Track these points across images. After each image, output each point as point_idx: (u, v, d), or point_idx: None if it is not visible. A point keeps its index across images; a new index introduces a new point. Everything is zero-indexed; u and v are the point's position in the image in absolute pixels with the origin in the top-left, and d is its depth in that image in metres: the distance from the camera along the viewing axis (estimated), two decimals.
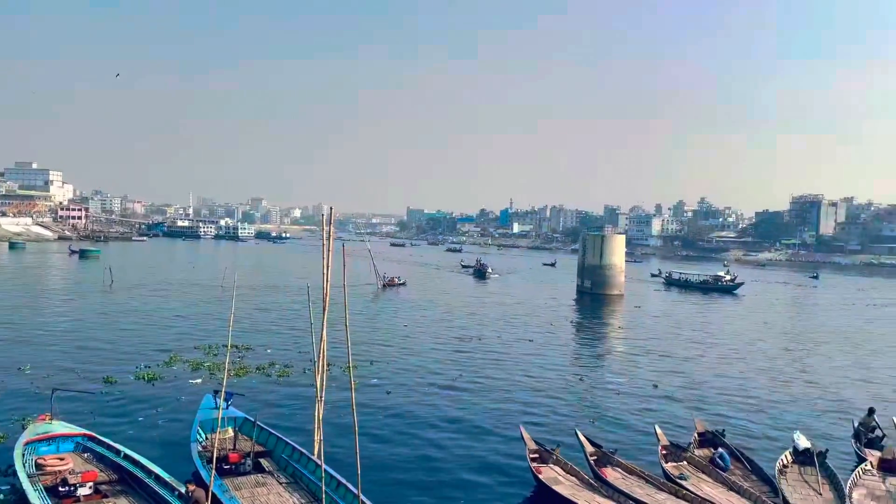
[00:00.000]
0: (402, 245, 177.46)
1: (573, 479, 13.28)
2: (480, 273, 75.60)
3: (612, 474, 13.44)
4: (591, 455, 14.14)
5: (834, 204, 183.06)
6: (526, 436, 14.68)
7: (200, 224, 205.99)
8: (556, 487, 12.73)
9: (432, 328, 34.66)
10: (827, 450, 14.52)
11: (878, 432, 16.10)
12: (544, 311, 44.65)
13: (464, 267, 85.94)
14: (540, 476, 13.23)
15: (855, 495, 12.87)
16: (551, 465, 13.80)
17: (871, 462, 14.35)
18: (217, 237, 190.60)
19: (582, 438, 14.70)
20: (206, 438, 13.99)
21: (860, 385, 24.62)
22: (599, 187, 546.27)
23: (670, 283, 74.05)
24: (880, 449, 15.07)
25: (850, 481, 13.34)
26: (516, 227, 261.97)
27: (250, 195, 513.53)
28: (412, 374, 23.46)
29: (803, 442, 14.53)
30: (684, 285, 70.85)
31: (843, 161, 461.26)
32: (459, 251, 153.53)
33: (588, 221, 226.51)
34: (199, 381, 20.77)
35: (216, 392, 15.12)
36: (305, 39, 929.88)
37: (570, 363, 27.27)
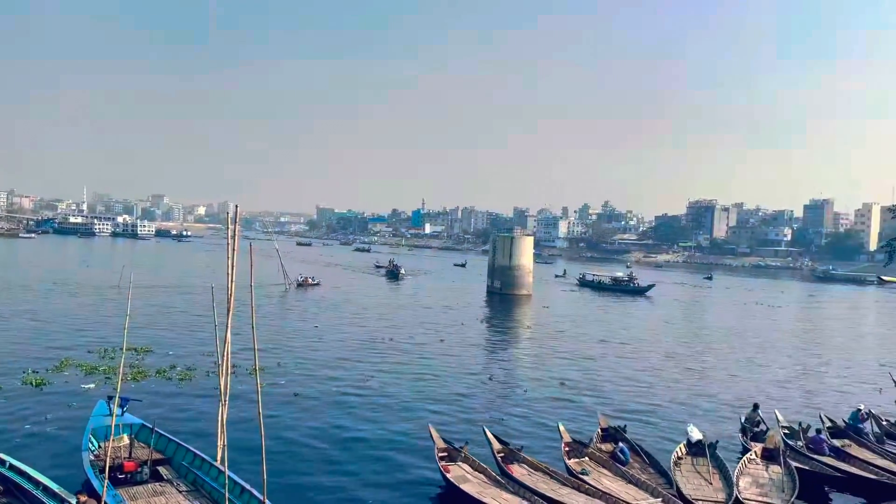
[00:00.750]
0: (309, 244, 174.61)
1: (481, 476, 13.48)
2: (393, 274, 75.21)
3: (518, 471, 13.74)
4: (498, 452, 14.41)
5: (726, 209, 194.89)
6: (435, 435, 14.78)
7: (96, 221, 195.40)
8: (463, 486, 12.88)
9: (343, 329, 34.30)
10: (717, 441, 15.44)
11: (762, 426, 17.27)
12: (455, 311, 45.12)
13: (377, 267, 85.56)
14: (448, 475, 13.36)
15: (741, 483, 13.73)
16: (459, 464, 13.96)
17: (755, 452, 15.36)
18: (114, 235, 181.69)
19: (489, 436, 14.95)
20: (99, 447, 13.28)
21: (748, 381, 26.28)
22: (509, 190, 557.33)
23: (584, 284, 75.17)
24: (764, 441, 16.14)
25: (736, 470, 14.23)
26: (428, 228, 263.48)
27: (151, 192, 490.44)
28: (321, 375, 23.13)
29: (696, 434, 15.38)
30: (597, 287, 72.20)
31: (738, 168, 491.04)
32: (368, 251, 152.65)
33: (498, 223, 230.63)
34: (92, 385, 19.67)
35: (110, 397, 14.38)
36: (203, 33, 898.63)
37: (479, 362, 27.66)
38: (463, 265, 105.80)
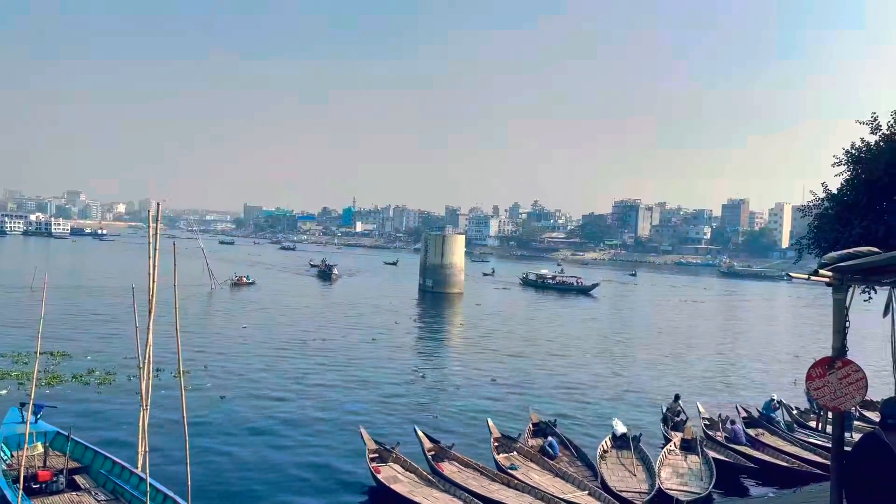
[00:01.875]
0: (232, 243, 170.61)
1: (412, 475, 13.51)
2: (325, 274, 73.44)
3: (448, 468, 13.85)
4: (428, 451, 14.48)
5: (650, 208, 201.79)
6: (366, 436, 14.72)
7: (6, 219, 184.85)
8: (393, 486, 12.89)
9: (273, 330, 33.68)
10: (640, 434, 16.00)
11: (682, 416, 17.99)
12: (388, 310, 44.99)
13: (312, 266, 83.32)
14: (379, 476, 13.33)
15: (663, 474, 14.27)
16: (391, 464, 13.95)
17: (674, 443, 16.00)
18: (26, 234, 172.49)
19: (420, 435, 15.00)
20: (12, 456, 12.63)
21: (673, 374, 27.33)
22: (441, 189, 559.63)
23: (527, 283, 74.78)
24: (683, 431, 16.80)
25: (658, 461, 14.78)
26: (359, 227, 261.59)
27: (67, 188, 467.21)
28: (250, 377, 22.65)
29: (620, 428, 15.89)
30: (541, 286, 72.07)
31: (662, 168, 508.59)
32: (293, 249, 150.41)
33: (430, 222, 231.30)
34: (3, 392, 18.64)
35: (23, 404, 13.68)
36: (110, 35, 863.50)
37: (411, 362, 27.70)
38: (394, 263, 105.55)
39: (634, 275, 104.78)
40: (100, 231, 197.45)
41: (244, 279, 58.21)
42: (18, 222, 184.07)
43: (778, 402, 19.18)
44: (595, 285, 69.76)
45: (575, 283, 70.68)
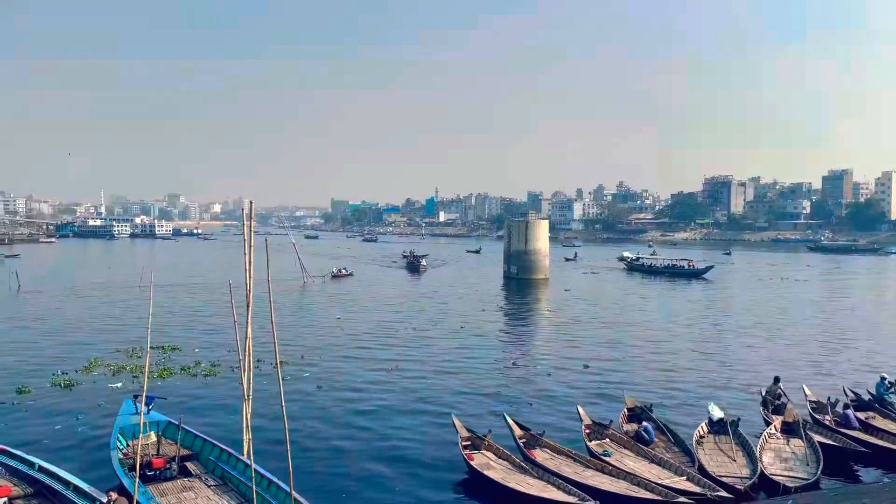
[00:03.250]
0: (316, 237, 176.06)
1: (504, 463, 13.54)
2: (414, 266, 72.43)
3: (540, 455, 13.79)
4: (520, 438, 14.46)
5: (743, 184, 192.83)
6: (458, 424, 14.85)
7: (114, 223, 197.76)
8: (487, 472, 12.96)
9: (366, 321, 34.46)
10: (739, 418, 15.36)
11: (783, 399, 17.14)
12: (474, 298, 45.14)
13: (404, 258, 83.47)
14: (472, 462, 13.44)
15: (765, 458, 13.68)
16: (483, 452, 14.03)
17: (775, 426, 15.27)
18: (133, 236, 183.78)
19: (511, 423, 14.99)
20: (128, 445, 13.51)
21: (774, 356, 26.08)
22: (522, 174, 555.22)
23: (633, 268, 72.45)
24: (783, 414, 16.03)
25: (758, 445, 14.17)
26: (442, 216, 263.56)
27: (167, 191, 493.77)
28: (345, 366, 23.31)
29: (717, 413, 15.32)
30: (648, 271, 69.52)
31: (755, 141, 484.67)
32: (374, 241, 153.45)
33: (512, 208, 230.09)
34: (119, 385, 19.99)
35: (136, 396, 14.61)
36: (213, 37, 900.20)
37: (501, 349, 27.72)
38: (477, 251, 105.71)
39: (729, 254, 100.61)
40: (196, 231, 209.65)
41: (343, 271, 62.00)
42: (125, 225, 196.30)
43: (890, 382, 17.96)
44: (709, 268, 66.10)
45: (686, 267, 66.39)
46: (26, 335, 29.13)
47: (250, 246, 12.64)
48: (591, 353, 26.23)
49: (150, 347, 18.42)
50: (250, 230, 12.64)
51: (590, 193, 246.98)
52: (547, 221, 66.99)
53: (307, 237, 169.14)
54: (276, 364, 11.97)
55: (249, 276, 12.56)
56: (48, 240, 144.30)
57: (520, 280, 57.68)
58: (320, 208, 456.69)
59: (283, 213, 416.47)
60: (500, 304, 43.58)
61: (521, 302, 45.28)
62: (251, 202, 13.05)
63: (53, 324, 32.39)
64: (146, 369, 12.78)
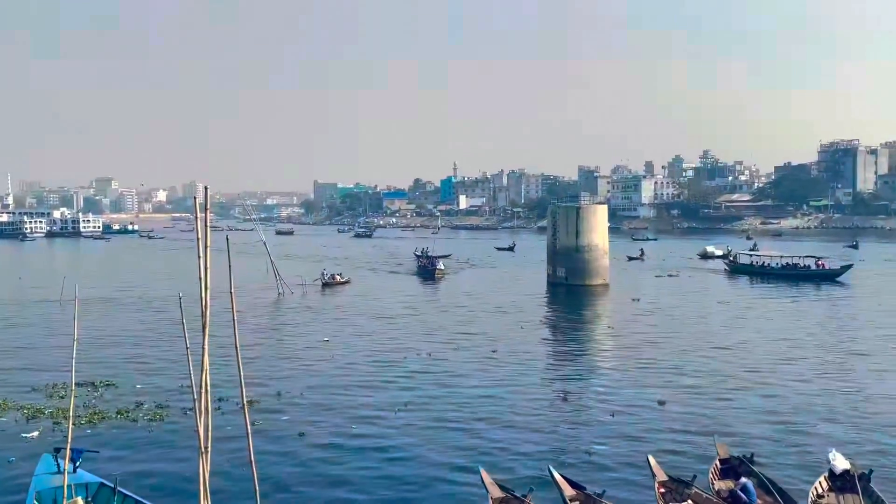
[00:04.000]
0: (290, 233, 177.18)
1: None
2: (428, 271, 71.36)
3: None
4: (570, 500, 14.39)
5: (873, 151, 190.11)
6: (488, 480, 14.82)
7: (25, 218, 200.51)
8: None
9: (364, 345, 34.56)
10: (871, 470, 15.15)
11: None
12: (508, 312, 45.07)
13: (418, 258, 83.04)
14: None
15: None
16: None
17: None
18: (50, 235, 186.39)
19: (558, 479, 14.92)
20: None
21: None
22: (571, 143, 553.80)
23: (737, 269, 71.02)
24: None
25: None
26: (463, 202, 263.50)
27: (95, 175, 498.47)
28: (336, 406, 23.35)
29: (841, 462, 15.12)
30: (760, 272, 68.19)
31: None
32: (368, 236, 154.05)
33: (558, 189, 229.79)
34: (35, 434, 20.19)
35: (58, 450, 14.72)
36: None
37: (546, 379, 27.65)
38: (510, 249, 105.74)
39: (855, 246, 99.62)
40: (132, 226, 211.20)
41: (338, 278, 62.78)
42: (40, 221, 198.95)
43: None
44: (846, 268, 64.76)
45: (814, 267, 64.97)
46: None
47: (206, 246, 12.59)
48: (669, 385, 26.06)
49: (76, 384, 18.57)
50: (206, 225, 12.64)
51: (663, 167, 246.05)
52: (605, 207, 66.81)
53: (278, 233, 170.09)
54: (243, 404, 12.01)
55: (205, 288, 12.55)
56: None
57: (569, 287, 57.55)
58: (299, 194, 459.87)
59: (250, 202, 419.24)
60: (544, 319, 43.47)
61: (571, 317, 45.14)
62: (206, 188, 13.09)
63: None
64: (71, 413, 12.91)
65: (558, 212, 62.96)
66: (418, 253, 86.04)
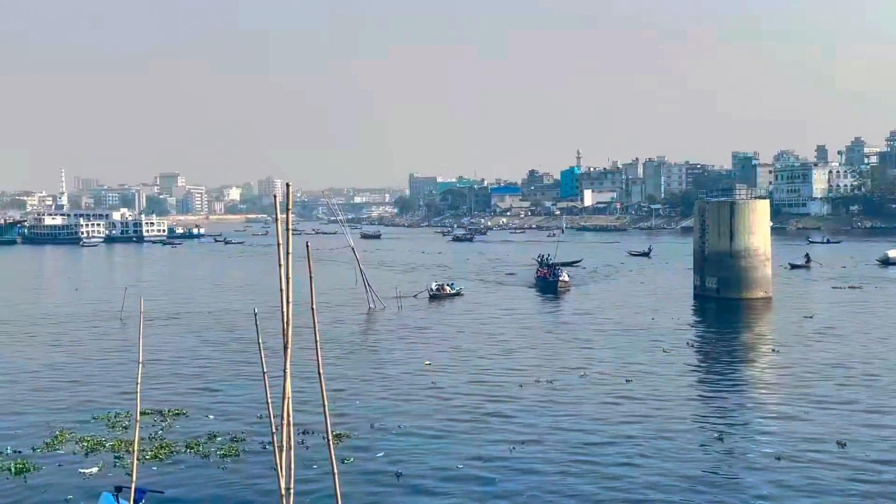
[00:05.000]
0: (377, 236, 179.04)
1: None
2: (549, 284, 69.85)
3: None
4: None
5: None
6: None
7: (81, 220, 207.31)
8: None
9: (471, 369, 34.72)
10: None
11: None
12: (647, 332, 44.34)
13: (540, 264, 78.66)
14: None
15: None
16: None
17: None
18: (110, 240, 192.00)
19: None
20: None
21: None
22: (722, 125, 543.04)
23: None
24: None
25: None
26: (589, 198, 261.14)
27: (159, 171, 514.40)
28: (438, 442, 23.48)
29: None
30: None
31: None
32: (470, 240, 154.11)
33: (706, 181, 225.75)
34: (95, 470, 20.93)
35: (119, 489, 15.17)
36: None
37: (695, 414, 27.24)
38: (646, 254, 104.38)
39: None
40: (196, 229, 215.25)
41: (447, 288, 64.18)
42: (98, 224, 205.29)
43: None
44: None
45: None
46: None
47: (287, 253, 12.79)
48: (851, 425, 25.16)
49: (141, 413, 19.16)
50: (288, 228, 12.84)
51: (840, 153, 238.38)
52: (767, 202, 65.23)
53: (363, 236, 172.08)
54: (330, 438, 12.18)
55: (287, 302, 12.75)
56: None
57: (721, 301, 56.39)
58: (393, 190, 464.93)
59: (336, 200, 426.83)
60: (691, 341, 42.63)
61: (724, 338, 44.14)
62: (288, 185, 13.32)
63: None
64: (135, 446, 13.29)
65: (707, 208, 61.82)
66: (538, 258, 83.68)
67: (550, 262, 77.24)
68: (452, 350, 39.81)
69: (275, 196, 12.77)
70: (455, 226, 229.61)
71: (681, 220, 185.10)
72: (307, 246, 12.29)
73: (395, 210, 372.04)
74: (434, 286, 63.70)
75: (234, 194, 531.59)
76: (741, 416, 27.14)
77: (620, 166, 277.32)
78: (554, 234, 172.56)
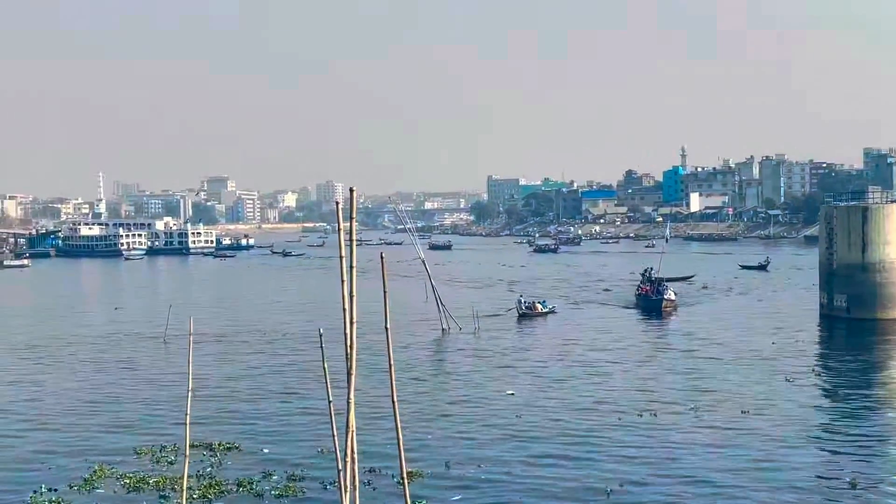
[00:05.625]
0: (448, 247, 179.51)
1: None
2: (652, 302, 68.18)
3: None
4: None
5: None
6: None
7: (121, 230, 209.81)
8: None
9: (559, 399, 34.69)
10: None
11: None
12: (766, 358, 43.68)
13: (647, 280, 76.49)
14: None
15: None
16: None
17: None
18: (152, 252, 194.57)
19: None
20: None
21: None
22: (849, 118, 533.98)
23: None
24: None
25: None
26: (695, 202, 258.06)
27: (206, 174, 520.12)
28: (525, 483, 23.47)
29: None
30: None
31: None
32: (553, 251, 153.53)
33: (833, 183, 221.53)
34: None
35: None
36: None
37: (824, 456, 26.92)
38: (761, 267, 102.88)
39: None
40: (245, 240, 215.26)
41: (538, 306, 63.68)
42: (139, 235, 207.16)
43: None
44: None
45: None
46: None
47: (351, 267, 12.75)
48: None
49: (191, 446, 19.43)
50: (352, 238, 12.83)
51: None
52: None
53: (432, 247, 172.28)
54: (402, 477, 12.26)
55: (350, 322, 12.75)
56: (17, 262, 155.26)
57: (852, 322, 55.43)
58: (469, 194, 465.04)
59: (405, 206, 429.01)
60: (818, 369, 41.97)
61: (857, 365, 43.35)
62: (352, 189, 13.34)
63: (30, 406, 35.15)
64: (183, 484, 13.54)
65: (835, 214, 60.81)
66: (644, 273, 79.86)
67: (653, 276, 73.80)
68: (539, 377, 39.68)
69: (336, 203, 12.85)
70: (537, 234, 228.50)
71: (804, 228, 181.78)
72: (382, 258, 12.37)
73: (472, 217, 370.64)
74: (524, 303, 63.49)
75: (290, 200, 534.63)
76: (878, 461, 26.61)
77: (732, 166, 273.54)
78: (652, 245, 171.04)
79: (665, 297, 67.07)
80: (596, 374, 40.46)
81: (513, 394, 35.43)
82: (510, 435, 28.95)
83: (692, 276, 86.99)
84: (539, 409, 32.77)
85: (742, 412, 31.70)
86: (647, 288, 70.45)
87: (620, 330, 57.86)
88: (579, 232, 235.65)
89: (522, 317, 61.13)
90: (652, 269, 76.04)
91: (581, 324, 60.41)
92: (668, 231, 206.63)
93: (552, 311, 63.53)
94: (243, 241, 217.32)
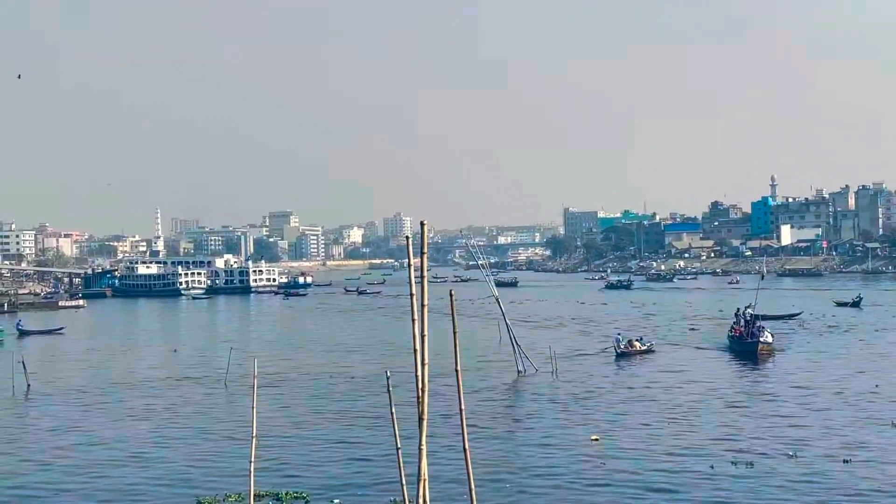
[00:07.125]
0: (514, 284, 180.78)
1: None
2: (746, 346, 65.22)
3: None
4: None
5: None
6: None
7: (180, 269, 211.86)
8: None
9: (651, 446, 34.37)
10: None
11: None
12: (872, 401, 42.88)
13: (741, 321, 74.34)
14: None
15: None
16: None
17: None
18: (212, 291, 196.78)
19: None
20: None
21: None
22: None
23: None
24: None
25: None
26: (787, 235, 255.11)
27: (268, 209, 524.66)
28: None
29: None
30: None
31: None
32: (627, 287, 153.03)
33: None
34: None
35: None
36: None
37: None
38: (855, 304, 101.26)
39: None
40: (303, 278, 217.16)
41: (636, 344, 64.04)
42: (198, 273, 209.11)
43: None
44: None
45: None
46: (39, 467, 32.30)
47: (423, 306, 12.68)
48: None
49: (256, 496, 19.54)
50: (423, 275, 12.79)
51: None
52: None
53: (498, 284, 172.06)
54: None
55: (422, 364, 12.70)
56: (73, 303, 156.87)
57: None
58: (543, 227, 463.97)
59: (477, 241, 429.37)
60: None
61: None
62: (423, 223, 13.29)
63: (84, 449, 35.60)
64: None
65: None
66: (741, 312, 75.41)
67: (749, 315, 69.00)
68: (624, 422, 39.34)
69: (407, 237, 12.88)
70: (609, 271, 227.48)
71: None
72: (451, 296, 12.32)
73: (547, 252, 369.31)
74: (622, 341, 63.02)
75: (356, 235, 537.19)
76: None
77: (826, 196, 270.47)
78: (736, 281, 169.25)
79: (761, 339, 64.26)
80: (685, 418, 40.04)
81: (597, 440, 35.16)
82: (594, 482, 28.82)
83: (799, 314, 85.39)
84: (625, 456, 32.49)
85: (844, 461, 31.25)
86: (741, 329, 67.38)
87: (708, 373, 57.10)
88: (661, 267, 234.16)
89: (621, 356, 60.78)
90: (749, 305, 70.56)
91: (663, 367, 59.50)
92: (763, 266, 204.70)
93: (650, 350, 63.04)
94: (300, 279, 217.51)
